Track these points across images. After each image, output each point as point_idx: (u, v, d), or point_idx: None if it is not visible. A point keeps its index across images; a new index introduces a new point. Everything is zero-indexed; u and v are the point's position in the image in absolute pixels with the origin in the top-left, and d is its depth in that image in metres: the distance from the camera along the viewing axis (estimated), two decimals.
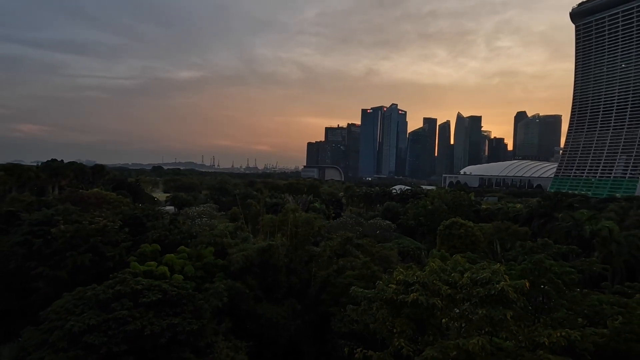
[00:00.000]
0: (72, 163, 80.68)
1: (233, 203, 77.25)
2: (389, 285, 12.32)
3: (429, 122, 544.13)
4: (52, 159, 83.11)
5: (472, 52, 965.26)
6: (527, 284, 11.15)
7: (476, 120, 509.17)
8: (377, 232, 44.31)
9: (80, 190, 39.60)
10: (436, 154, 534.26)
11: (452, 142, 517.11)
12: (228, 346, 17.34)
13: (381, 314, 11.77)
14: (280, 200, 68.59)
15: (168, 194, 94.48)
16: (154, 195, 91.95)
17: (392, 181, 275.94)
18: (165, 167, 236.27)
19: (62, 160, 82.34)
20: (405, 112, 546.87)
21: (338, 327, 18.13)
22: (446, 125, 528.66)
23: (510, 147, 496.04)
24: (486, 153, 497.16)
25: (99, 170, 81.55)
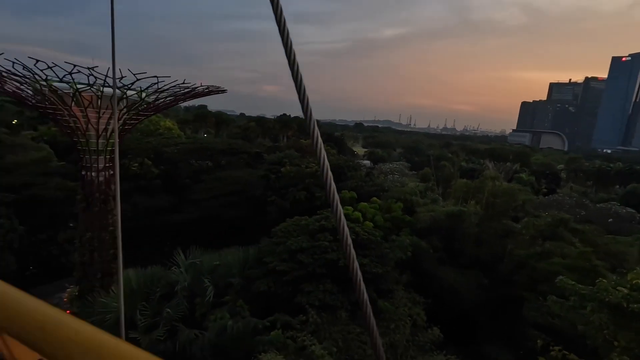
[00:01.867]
0: (296, 117, 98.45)
1: (425, 163, 76.11)
2: (618, 287, 9.69)
3: None
4: (283, 114, 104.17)
5: None
6: None
7: None
8: (610, 220, 34.40)
9: (300, 140, 48.27)
10: None
11: None
12: (407, 296, 18.30)
13: (598, 318, 9.55)
14: (478, 166, 62.72)
15: (366, 149, 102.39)
16: (354, 149, 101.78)
17: None
18: (365, 125, 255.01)
19: (289, 115, 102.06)
20: None
21: (533, 315, 15.95)
22: None
23: None
24: None
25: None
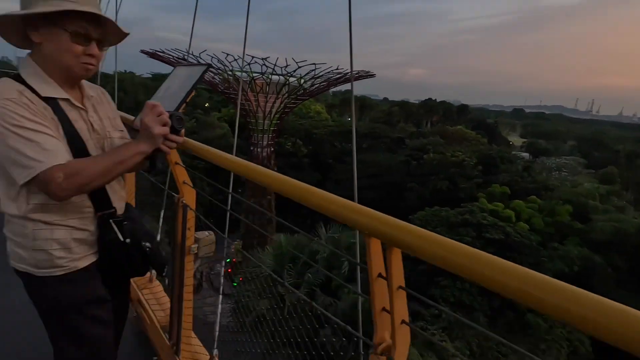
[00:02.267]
0: (442, 102, 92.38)
1: (609, 161, 60.62)
2: None
3: None
4: (427, 98, 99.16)
5: None
6: None
7: None
8: None
9: (446, 126, 45.25)
10: None
11: None
12: None
13: None
14: None
15: (525, 140, 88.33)
16: (510, 139, 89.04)
17: None
18: (526, 111, 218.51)
19: (435, 99, 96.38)
20: None
21: None
22: None
23: None
24: None
25: (462, 109, 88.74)
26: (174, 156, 1.91)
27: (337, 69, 22.01)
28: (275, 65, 19.79)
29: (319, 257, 19.02)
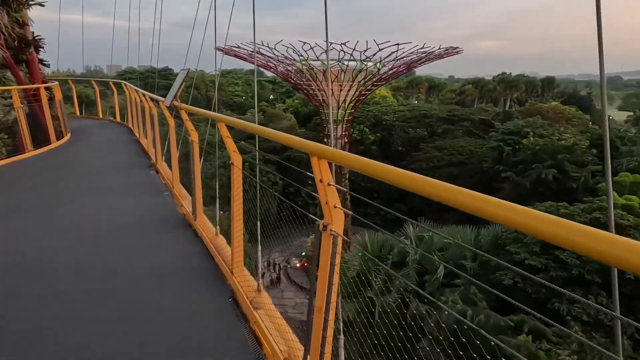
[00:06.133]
0: (522, 76, 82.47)
1: None
2: None
3: None
4: (502, 72, 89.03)
5: None
6: None
7: None
8: None
9: (539, 104, 39.60)
10: None
11: None
12: None
13: None
14: None
15: (629, 113, 75.53)
16: (609, 113, 76.65)
17: None
18: (624, 78, 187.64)
19: (510, 73, 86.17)
20: None
21: None
22: None
23: None
24: None
25: (548, 82, 78.15)
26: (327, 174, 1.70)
27: (422, 47, 19.60)
28: (354, 49, 18.08)
29: (409, 259, 17.34)
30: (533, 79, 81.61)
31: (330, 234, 1.68)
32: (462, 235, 18.57)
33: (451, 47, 20.62)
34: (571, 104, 62.94)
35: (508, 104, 67.58)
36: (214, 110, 6.76)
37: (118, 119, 14.33)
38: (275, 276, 28.27)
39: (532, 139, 22.65)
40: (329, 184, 1.62)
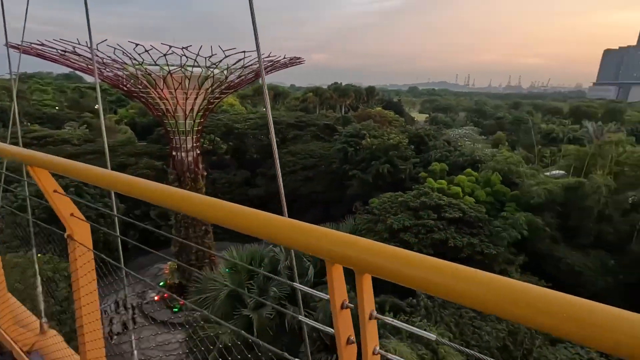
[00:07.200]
0: (351, 85, 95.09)
1: (496, 127, 69.93)
2: None
3: None
4: (334, 82, 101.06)
5: None
6: None
7: None
8: None
9: (368, 109, 46.23)
10: None
11: None
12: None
13: None
14: (563, 128, 56.21)
15: (426, 115, 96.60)
16: (412, 115, 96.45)
17: None
18: (419, 88, 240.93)
19: (341, 83, 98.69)
20: None
21: None
22: None
23: None
24: None
25: (371, 91, 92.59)
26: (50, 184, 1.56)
27: (268, 56, 19.89)
28: (197, 54, 16.83)
29: (280, 267, 17.32)
30: (359, 87, 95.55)
31: (75, 245, 1.57)
32: None
33: (295, 57, 21.71)
34: (389, 109, 76.15)
35: (343, 110, 76.62)
36: (13, 126, 4.85)
37: None
38: (127, 317, 23.78)
39: (368, 139, 26.25)
40: (54, 191, 1.56)
